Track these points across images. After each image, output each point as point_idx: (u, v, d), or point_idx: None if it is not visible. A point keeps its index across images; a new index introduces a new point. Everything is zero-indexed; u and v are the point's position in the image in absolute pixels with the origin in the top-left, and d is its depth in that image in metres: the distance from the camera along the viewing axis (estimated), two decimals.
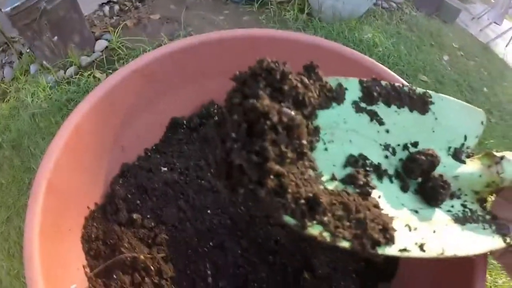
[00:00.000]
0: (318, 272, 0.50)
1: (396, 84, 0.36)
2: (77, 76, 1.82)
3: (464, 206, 0.34)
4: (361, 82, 0.35)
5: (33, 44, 1.90)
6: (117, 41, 1.95)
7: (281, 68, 0.24)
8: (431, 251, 0.28)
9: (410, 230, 0.29)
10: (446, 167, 0.36)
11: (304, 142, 0.23)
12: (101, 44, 2.02)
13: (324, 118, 0.32)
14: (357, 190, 0.29)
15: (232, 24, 2.36)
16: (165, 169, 0.57)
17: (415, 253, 0.27)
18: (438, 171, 0.35)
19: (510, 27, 3.95)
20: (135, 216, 0.53)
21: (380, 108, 0.35)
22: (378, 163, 0.33)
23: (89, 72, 1.83)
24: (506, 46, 4.06)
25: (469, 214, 0.34)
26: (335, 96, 0.33)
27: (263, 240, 0.53)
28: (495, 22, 4.12)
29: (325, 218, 0.24)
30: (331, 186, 0.29)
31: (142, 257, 0.48)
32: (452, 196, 0.35)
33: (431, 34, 3.22)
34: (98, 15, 2.37)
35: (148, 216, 0.53)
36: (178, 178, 0.56)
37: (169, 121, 0.64)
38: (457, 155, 0.37)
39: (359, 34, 2.41)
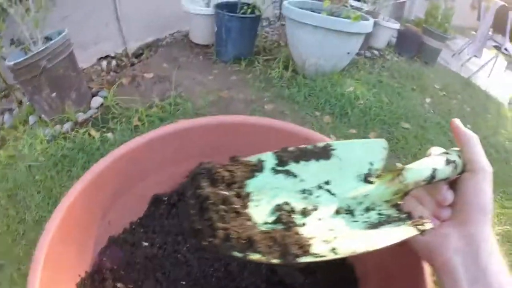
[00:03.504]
0: None
1: (301, 146, 0.48)
2: (73, 132, 1.91)
3: (380, 214, 0.43)
4: (274, 153, 0.47)
5: (33, 98, 2.00)
6: (112, 100, 2.05)
7: (213, 166, 0.40)
8: (343, 252, 0.37)
9: (327, 243, 0.38)
10: (357, 190, 0.45)
11: (236, 206, 0.38)
12: (97, 101, 2.13)
13: (252, 184, 0.44)
14: (284, 226, 0.40)
15: (221, 84, 2.50)
16: (146, 244, 0.66)
17: (330, 255, 0.36)
18: (349, 194, 0.45)
19: (490, 58, 4.11)
20: (119, 285, 0.61)
21: (292, 166, 0.46)
22: (299, 205, 0.44)
23: (84, 129, 1.92)
24: (488, 76, 4.20)
25: (385, 218, 0.42)
26: (256, 168, 0.45)
27: None
28: (475, 56, 4.30)
29: (259, 248, 0.35)
30: (264, 228, 0.39)
31: None
32: (368, 210, 0.44)
33: (412, 78, 3.32)
34: (96, 69, 2.51)
35: (131, 286, 0.61)
36: (157, 252, 0.65)
37: (151, 197, 0.73)
38: (367, 178, 0.46)
39: (340, 89, 2.53)
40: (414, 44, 3.83)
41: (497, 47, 4.22)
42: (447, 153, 0.45)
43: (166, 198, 0.73)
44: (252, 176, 0.45)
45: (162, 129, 0.69)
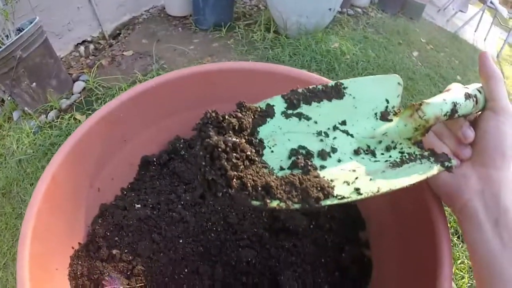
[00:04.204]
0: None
1: (311, 86, 0.45)
2: (59, 119, 1.87)
3: (401, 152, 0.41)
4: (283, 96, 0.44)
5: (13, 91, 1.93)
6: (94, 82, 2.00)
7: (218, 113, 0.36)
8: (367, 192, 0.35)
9: (348, 184, 0.36)
10: (375, 129, 0.43)
11: (249, 153, 0.35)
12: (79, 86, 2.07)
13: (265, 131, 0.42)
14: (300, 171, 0.38)
15: (202, 52, 2.43)
16: (139, 205, 0.63)
17: (353, 196, 0.35)
18: (367, 134, 0.43)
19: (476, 12, 4.06)
20: (114, 251, 0.58)
21: (303, 109, 0.44)
22: (316, 148, 0.42)
23: (69, 115, 1.87)
24: (475, 31, 4.17)
25: (407, 156, 0.41)
26: (266, 114, 0.43)
27: (236, 262, 0.58)
28: (460, 10, 4.25)
29: (278, 194, 0.34)
30: (281, 174, 0.38)
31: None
32: (388, 149, 0.42)
33: (398, 33, 3.27)
34: (74, 56, 2.43)
35: (126, 250, 0.58)
36: (150, 213, 0.62)
37: (140, 160, 0.70)
38: (384, 116, 0.44)
39: (325, 45, 2.48)
40: (397, 0, 3.77)
41: (483, 1, 4.14)
42: (467, 88, 0.42)
43: (155, 159, 0.70)
44: (263, 123, 0.42)
45: (142, 86, 0.65)
